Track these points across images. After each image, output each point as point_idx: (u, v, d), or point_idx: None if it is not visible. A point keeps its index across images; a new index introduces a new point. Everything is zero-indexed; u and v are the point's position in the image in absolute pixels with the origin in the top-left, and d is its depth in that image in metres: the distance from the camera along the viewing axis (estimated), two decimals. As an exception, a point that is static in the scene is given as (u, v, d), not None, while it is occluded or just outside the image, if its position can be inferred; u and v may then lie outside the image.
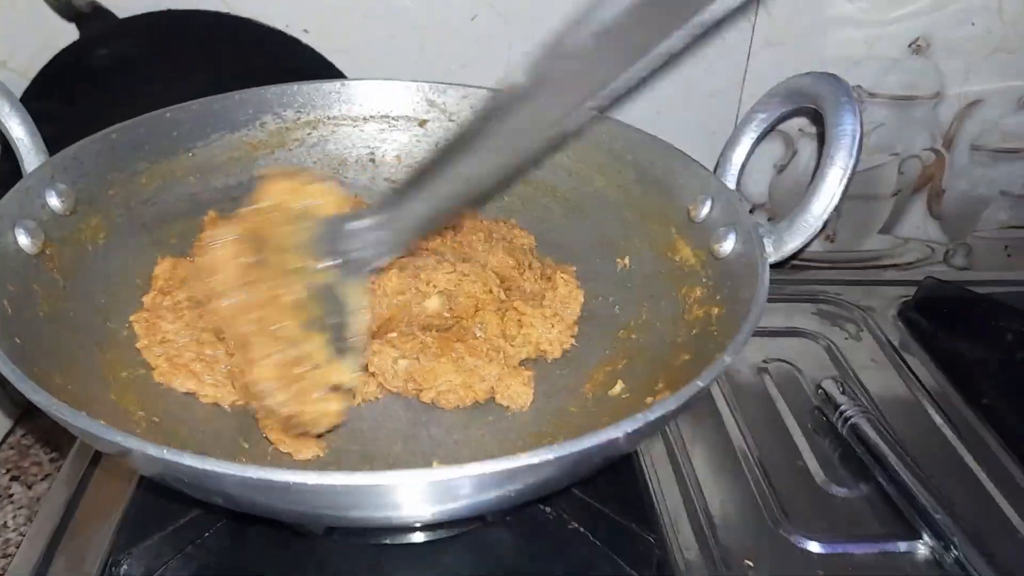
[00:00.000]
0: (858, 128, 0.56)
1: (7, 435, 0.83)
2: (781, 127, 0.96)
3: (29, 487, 0.78)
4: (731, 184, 0.67)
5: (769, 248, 0.60)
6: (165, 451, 0.41)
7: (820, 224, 0.59)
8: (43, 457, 0.81)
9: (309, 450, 0.58)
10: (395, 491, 0.43)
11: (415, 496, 0.45)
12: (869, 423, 0.72)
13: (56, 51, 0.82)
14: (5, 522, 0.75)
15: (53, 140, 0.66)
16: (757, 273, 0.57)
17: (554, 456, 0.43)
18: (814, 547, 0.65)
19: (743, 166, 0.68)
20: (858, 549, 0.65)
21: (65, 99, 0.83)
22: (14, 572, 0.60)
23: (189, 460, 0.41)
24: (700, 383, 0.48)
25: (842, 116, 0.57)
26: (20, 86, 0.83)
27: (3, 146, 0.76)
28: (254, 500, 0.45)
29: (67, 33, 0.83)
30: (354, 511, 0.46)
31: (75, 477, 0.67)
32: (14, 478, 0.79)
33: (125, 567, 0.58)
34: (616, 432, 0.44)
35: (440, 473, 0.42)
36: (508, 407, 0.64)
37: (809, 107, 0.62)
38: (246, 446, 0.60)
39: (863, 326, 0.90)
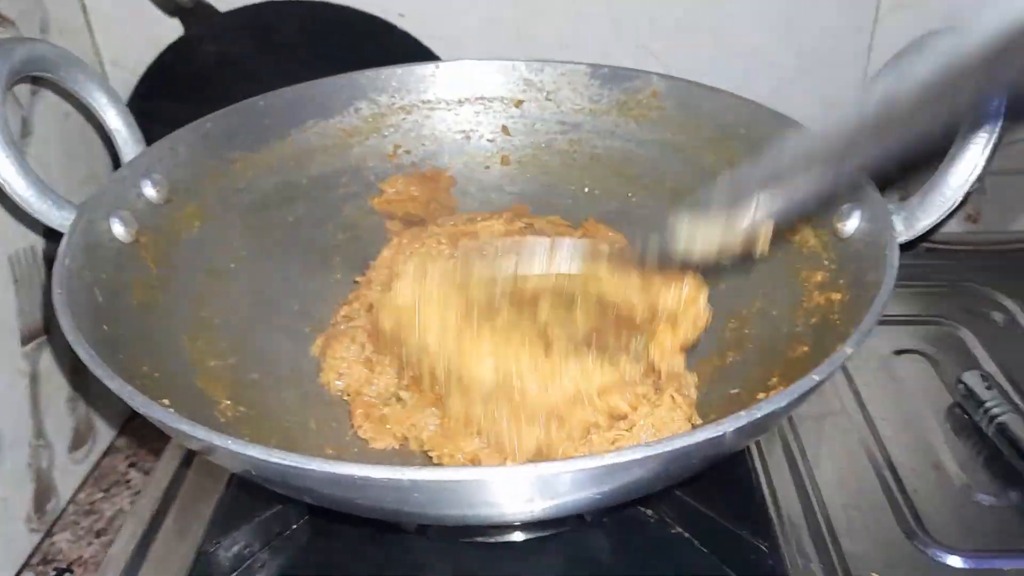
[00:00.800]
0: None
1: (127, 422, 0.85)
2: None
3: (146, 473, 0.80)
4: (855, 157, 0.61)
5: (899, 227, 0.54)
6: (250, 448, 0.39)
7: (958, 198, 0.52)
8: (161, 445, 0.83)
9: (384, 440, 0.58)
10: (492, 487, 0.40)
11: (511, 493, 0.42)
12: (1020, 422, 0.64)
13: (162, 48, 0.84)
14: (122, 507, 0.77)
15: (161, 137, 0.66)
16: (885, 255, 0.51)
17: (658, 452, 0.39)
18: (955, 561, 0.58)
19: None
20: (1008, 564, 0.58)
21: (172, 96, 0.85)
22: (113, 557, 0.61)
23: (275, 457, 0.39)
24: (816, 377, 0.42)
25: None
26: (130, 84, 0.85)
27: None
28: (344, 496, 0.43)
29: (172, 29, 0.84)
30: (447, 508, 0.44)
31: (171, 469, 0.68)
32: (132, 464, 0.82)
33: (216, 556, 0.57)
34: (718, 430, 0.40)
35: (538, 469, 0.39)
36: None
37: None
38: (346, 438, 0.59)
39: (1012, 315, 0.81)
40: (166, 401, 0.45)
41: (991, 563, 0.58)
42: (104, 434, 0.82)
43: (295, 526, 0.60)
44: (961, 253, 0.91)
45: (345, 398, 0.63)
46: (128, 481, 0.80)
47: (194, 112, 0.68)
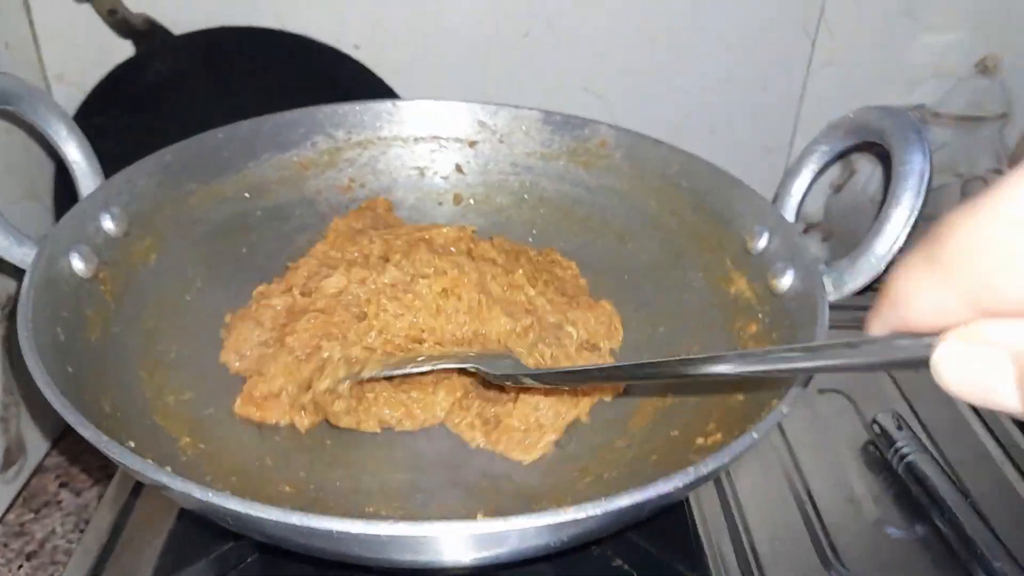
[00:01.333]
0: (927, 167, 0.54)
1: (56, 441, 0.84)
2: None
3: (78, 494, 0.79)
4: (790, 217, 0.65)
5: (829, 287, 0.58)
6: (211, 494, 0.41)
7: (883, 265, 0.57)
8: (92, 464, 0.82)
9: (369, 425, 0.63)
10: (440, 542, 0.43)
11: (460, 545, 0.44)
12: (927, 462, 0.70)
13: (111, 67, 0.83)
14: (54, 529, 0.76)
15: (107, 154, 0.67)
16: (817, 315, 0.55)
17: (601, 511, 0.42)
18: (866, 591, 0.63)
19: (803, 198, 0.66)
20: (913, 596, 0.63)
21: (119, 115, 0.84)
22: (62, 591, 0.61)
23: (235, 505, 0.41)
24: (755, 435, 0.46)
25: (910, 154, 0.54)
26: (76, 100, 0.84)
27: (58, 162, 0.77)
28: (298, 542, 0.45)
29: (123, 49, 0.84)
30: (398, 556, 0.46)
31: (120, 499, 0.68)
32: (63, 484, 0.80)
33: (171, 589, 0.58)
34: (666, 486, 0.43)
35: (484, 526, 0.41)
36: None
37: (873, 142, 0.59)
38: (302, 475, 0.60)
39: (921, 356, 0.87)
40: (132, 443, 0.46)
41: (898, 593, 0.63)
42: (34, 453, 0.81)
43: (249, 560, 0.61)
44: (874, 295, 0.97)
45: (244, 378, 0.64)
46: (59, 502, 0.79)
47: (140, 132, 0.69)
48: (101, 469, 0.81)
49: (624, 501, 0.42)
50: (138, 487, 0.69)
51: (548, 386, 0.61)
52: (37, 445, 0.81)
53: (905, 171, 0.55)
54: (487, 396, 0.65)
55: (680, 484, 0.43)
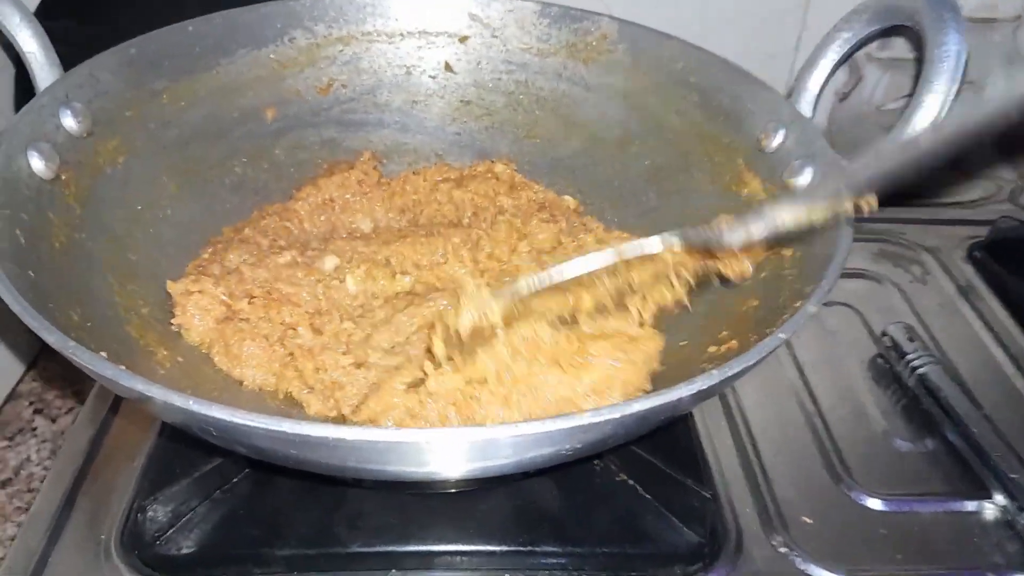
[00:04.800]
0: (963, 49, 0.50)
1: (30, 367, 0.81)
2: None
3: (53, 420, 0.76)
4: (807, 112, 0.61)
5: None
6: (192, 402, 0.37)
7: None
8: (67, 390, 0.79)
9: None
10: (436, 449, 0.39)
11: (458, 455, 0.41)
12: (939, 373, 0.68)
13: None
14: (29, 456, 0.73)
15: (67, 62, 0.60)
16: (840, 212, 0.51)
17: (618, 415, 0.39)
18: (876, 504, 0.61)
19: (820, 92, 0.61)
20: (923, 507, 0.61)
21: (79, 16, 0.77)
22: (37, 514, 0.57)
23: (219, 412, 0.37)
24: (782, 335, 0.43)
25: (945, 34, 0.50)
26: (33, 1, 0.77)
27: (18, 63, 0.71)
28: (287, 454, 0.41)
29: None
30: (393, 467, 0.42)
31: (97, 418, 0.65)
32: (37, 411, 0.77)
33: (151, 512, 0.55)
34: (687, 390, 0.40)
35: (486, 432, 0.39)
36: None
37: (903, 25, 0.55)
38: (275, 385, 0.57)
39: (929, 268, 0.85)
40: (103, 354, 0.42)
41: (909, 505, 0.61)
42: (6, 380, 0.77)
43: (235, 480, 0.58)
44: (882, 208, 0.94)
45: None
46: (34, 429, 0.76)
47: (102, 36, 0.62)
48: (77, 395, 0.78)
49: (643, 405, 0.39)
50: (114, 406, 0.65)
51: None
52: (9, 371, 0.78)
53: (940, 54, 0.50)
54: None
55: (704, 387, 0.40)
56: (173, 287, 0.58)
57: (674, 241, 0.53)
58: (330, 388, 0.55)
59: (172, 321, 0.58)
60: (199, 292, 0.57)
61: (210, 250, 0.64)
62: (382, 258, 0.64)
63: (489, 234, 0.66)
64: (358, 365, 0.56)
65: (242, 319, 0.58)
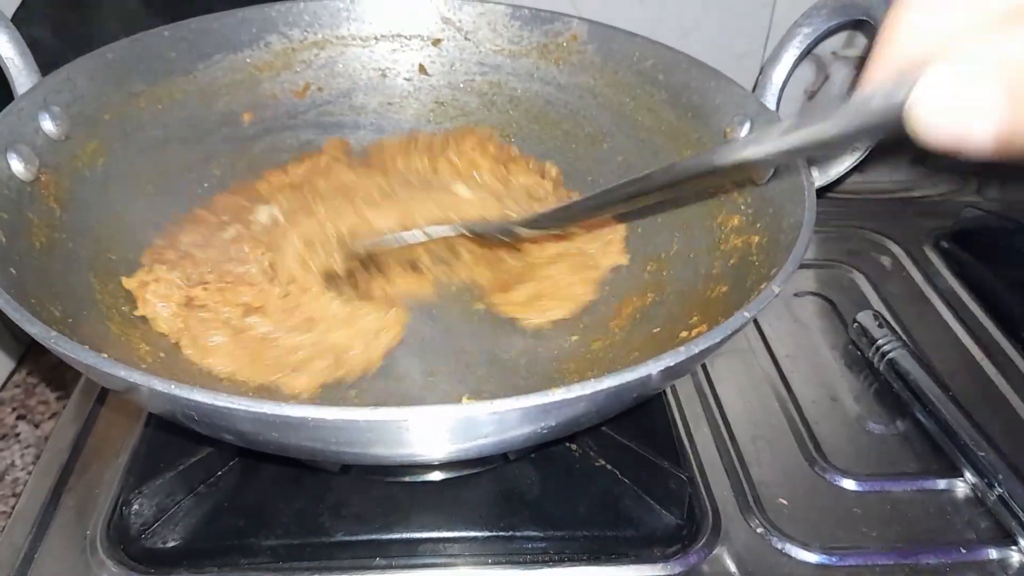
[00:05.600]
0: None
1: (12, 373, 0.81)
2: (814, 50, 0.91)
3: (36, 426, 0.76)
4: (771, 105, 0.63)
5: (814, 172, 0.56)
6: (173, 387, 0.38)
7: (868, 150, 0.55)
8: (49, 396, 0.79)
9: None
10: (417, 427, 0.40)
11: (436, 433, 0.42)
12: (908, 358, 0.69)
13: (46, -33, 0.77)
14: (13, 461, 0.73)
15: (44, 69, 0.61)
16: (804, 198, 0.53)
17: (589, 391, 0.40)
18: (850, 485, 0.63)
19: (783, 86, 0.63)
20: (896, 487, 0.63)
21: (57, 25, 0.78)
22: (22, 512, 0.58)
23: (200, 396, 0.38)
24: (747, 314, 0.44)
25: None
26: (9, 8, 0.78)
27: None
28: (268, 437, 0.42)
29: (57, -53, 0.78)
30: (374, 448, 0.43)
31: (81, 415, 0.65)
32: (20, 416, 0.77)
33: (136, 506, 0.55)
34: (656, 366, 0.41)
35: (464, 410, 0.39)
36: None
37: (860, 20, 0.57)
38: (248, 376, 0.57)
39: (897, 257, 0.87)
40: (86, 347, 0.43)
41: (881, 485, 0.63)
42: (-12, 385, 0.77)
43: (220, 472, 0.58)
44: (850, 201, 0.97)
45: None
46: (17, 434, 0.76)
47: (79, 43, 0.63)
48: (60, 400, 0.78)
49: (613, 381, 0.40)
50: (99, 401, 0.66)
51: (541, 231, 0.59)
52: (-9, 376, 0.78)
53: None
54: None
55: (672, 363, 0.41)
56: (129, 282, 0.58)
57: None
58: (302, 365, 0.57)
59: (135, 313, 0.58)
60: (155, 281, 0.58)
61: (163, 234, 0.64)
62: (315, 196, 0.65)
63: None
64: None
65: (200, 306, 0.58)
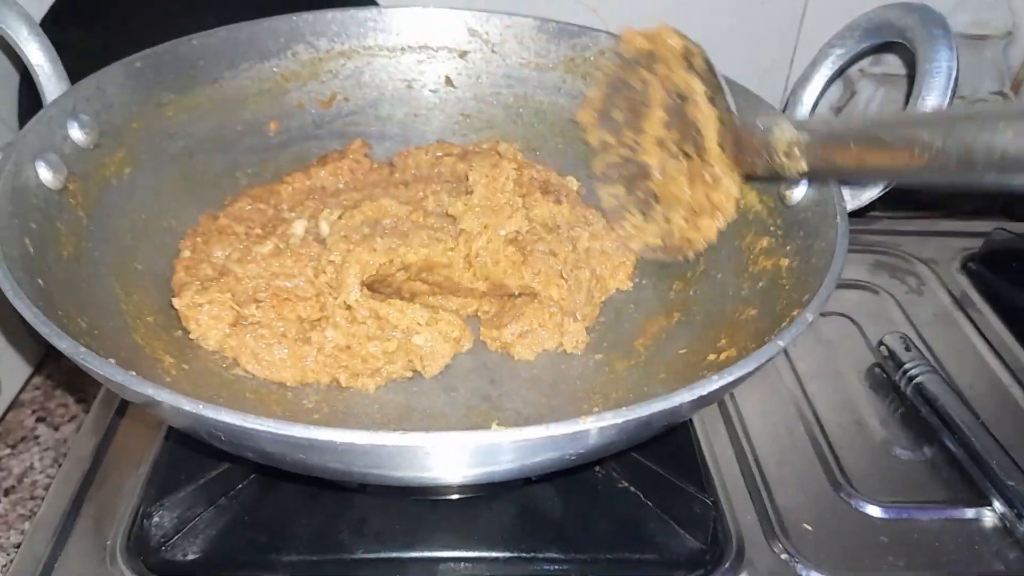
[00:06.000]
0: (954, 65, 0.51)
1: (32, 375, 0.81)
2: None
3: (55, 429, 0.77)
4: (802, 124, 0.62)
5: (846, 195, 0.55)
6: (201, 407, 0.38)
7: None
8: (69, 399, 0.79)
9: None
10: (444, 453, 0.40)
11: (463, 459, 0.41)
12: (936, 382, 0.68)
13: (75, -27, 0.78)
14: (32, 464, 0.73)
15: (72, 72, 0.62)
16: (836, 223, 0.52)
17: (620, 421, 0.39)
18: (876, 512, 0.62)
19: (815, 106, 0.63)
20: (923, 515, 0.62)
21: (86, 27, 0.78)
22: (42, 520, 0.58)
23: (228, 416, 0.38)
24: (780, 343, 0.43)
25: (937, 51, 0.51)
26: (39, 12, 0.78)
27: (23, 72, 0.72)
28: (294, 458, 0.42)
29: (87, -47, 0.78)
30: (399, 471, 0.43)
31: (102, 425, 0.65)
32: (40, 419, 0.77)
33: (157, 518, 0.55)
34: (688, 396, 0.41)
35: (491, 437, 0.39)
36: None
37: (895, 42, 0.56)
38: (288, 395, 0.57)
39: (924, 279, 0.86)
40: (112, 360, 0.43)
41: (908, 513, 0.62)
42: (8, 388, 0.77)
43: (240, 485, 0.58)
44: (877, 219, 0.95)
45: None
46: (37, 437, 0.76)
47: (108, 46, 0.63)
48: (79, 402, 0.78)
49: (644, 411, 0.39)
50: (119, 412, 0.66)
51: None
52: (12, 379, 0.78)
53: (931, 68, 0.51)
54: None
55: (704, 392, 0.41)
56: (179, 302, 0.58)
57: None
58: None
59: (190, 336, 0.58)
60: (208, 302, 0.58)
61: (189, 244, 0.64)
62: (352, 202, 0.64)
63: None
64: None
65: (254, 323, 0.58)
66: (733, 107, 0.61)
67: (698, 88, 0.61)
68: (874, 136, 0.47)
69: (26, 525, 0.65)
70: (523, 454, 0.41)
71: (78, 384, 0.80)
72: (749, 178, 0.61)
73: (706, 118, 0.61)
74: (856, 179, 0.55)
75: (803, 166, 0.52)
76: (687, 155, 0.63)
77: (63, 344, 0.40)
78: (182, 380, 0.53)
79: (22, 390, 0.80)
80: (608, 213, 0.70)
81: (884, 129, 0.47)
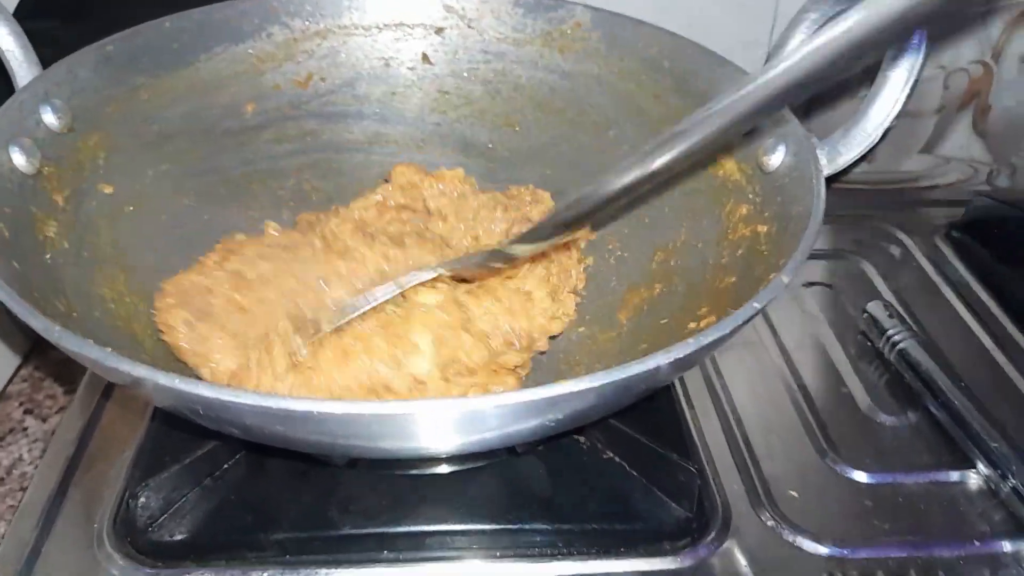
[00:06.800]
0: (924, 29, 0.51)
1: (19, 367, 0.81)
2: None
3: (43, 420, 0.76)
4: (779, 91, 0.62)
5: (823, 160, 0.55)
6: (177, 380, 0.38)
7: (880, 134, 0.54)
8: (57, 390, 0.79)
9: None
10: (424, 421, 0.40)
11: (444, 426, 0.41)
12: (919, 348, 0.69)
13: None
14: (20, 455, 0.73)
15: (48, 63, 0.61)
16: (812, 187, 0.52)
17: (598, 384, 0.39)
18: (861, 477, 0.62)
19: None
20: (908, 479, 0.62)
21: (61, 17, 0.77)
22: (29, 505, 0.58)
23: (205, 390, 0.38)
24: (756, 304, 0.43)
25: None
26: (11, 2, 0.77)
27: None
28: (275, 431, 0.42)
29: (57, -60, 0.77)
30: (381, 441, 0.43)
31: (87, 409, 0.65)
32: (28, 411, 0.77)
33: (143, 499, 0.55)
34: (665, 358, 0.41)
35: (470, 403, 0.39)
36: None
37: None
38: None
39: (907, 248, 0.86)
40: (89, 341, 0.43)
41: (893, 477, 0.62)
42: (-5, 380, 0.77)
43: (226, 466, 0.58)
44: (859, 191, 0.96)
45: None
46: (25, 429, 0.75)
47: (84, 36, 0.63)
48: (68, 394, 0.78)
49: (622, 373, 0.39)
50: (105, 395, 0.65)
51: (527, 247, 0.54)
52: None
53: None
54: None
55: (681, 355, 0.41)
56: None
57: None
58: None
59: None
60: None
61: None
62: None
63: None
64: None
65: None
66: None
67: None
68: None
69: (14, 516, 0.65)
70: (504, 420, 0.41)
71: (67, 376, 0.79)
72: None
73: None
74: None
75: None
76: None
77: (37, 323, 0.40)
78: (161, 360, 0.53)
79: (10, 382, 0.79)
80: None
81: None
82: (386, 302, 0.58)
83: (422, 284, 0.59)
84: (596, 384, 0.39)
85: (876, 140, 0.55)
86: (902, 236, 0.87)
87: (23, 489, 0.69)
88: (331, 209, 0.70)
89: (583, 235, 0.69)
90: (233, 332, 0.57)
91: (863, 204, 0.93)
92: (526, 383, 0.58)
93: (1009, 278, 0.80)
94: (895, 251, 0.85)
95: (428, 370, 0.55)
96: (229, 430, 0.44)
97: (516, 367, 0.58)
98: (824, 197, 0.52)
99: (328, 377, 0.54)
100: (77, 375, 0.75)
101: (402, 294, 0.59)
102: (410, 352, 0.55)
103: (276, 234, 0.67)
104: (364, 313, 0.57)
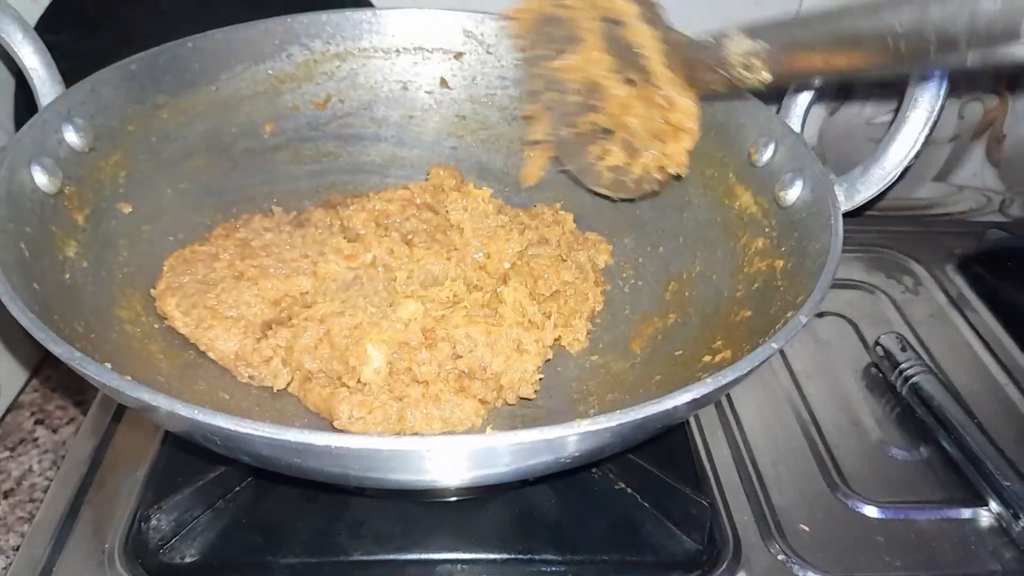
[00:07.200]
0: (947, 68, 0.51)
1: (30, 378, 0.81)
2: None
3: (54, 431, 0.77)
4: (796, 127, 0.62)
5: (840, 197, 0.55)
6: (196, 411, 0.38)
7: (898, 173, 0.54)
8: (67, 401, 0.79)
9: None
10: (439, 457, 0.40)
11: (460, 462, 0.41)
12: (932, 382, 0.68)
13: (70, -25, 0.77)
14: (31, 466, 0.73)
15: (68, 75, 0.61)
16: (830, 224, 0.52)
17: (615, 424, 0.39)
18: (872, 512, 0.62)
19: (809, 107, 0.63)
20: (919, 515, 0.62)
21: (81, 30, 0.78)
22: (41, 523, 0.58)
23: (222, 421, 0.38)
24: (775, 345, 0.43)
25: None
26: (33, 15, 0.78)
27: (18, 76, 0.72)
28: (290, 462, 0.42)
29: (81, -44, 0.78)
30: (395, 475, 0.43)
31: (99, 428, 0.65)
32: (39, 422, 0.77)
33: (155, 521, 0.55)
34: (683, 398, 0.41)
35: (487, 440, 0.39)
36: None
37: None
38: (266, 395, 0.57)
39: (920, 279, 0.86)
40: (108, 364, 0.43)
41: (905, 513, 0.62)
42: (7, 390, 0.77)
43: (237, 488, 0.58)
44: (870, 217, 0.96)
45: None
46: (36, 439, 0.76)
47: (103, 49, 0.63)
48: (78, 405, 0.78)
49: (639, 413, 0.39)
50: (117, 416, 0.66)
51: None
52: (11, 382, 0.78)
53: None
54: None
55: (699, 395, 0.41)
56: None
57: None
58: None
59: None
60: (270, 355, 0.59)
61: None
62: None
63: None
64: None
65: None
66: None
67: (629, 10, 0.59)
68: (842, 34, 0.46)
69: (25, 527, 0.65)
70: (518, 457, 0.41)
71: (77, 387, 0.79)
72: (709, 97, 0.59)
73: (645, 39, 0.58)
74: (824, 77, 0.55)
75: (765, 77, 0.51)
76: (631, 81, 0.61)
77: (58, 349, 0.40)
78: (176, 381, 0.53)
79: (21, 392, 0.80)
80: (563, 150, 0.68)
81: (850, 23, 0.45)
82: (369, 300, 0.60)
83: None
84: (613, 424, 0.39)
85: (895, 179, 0.55)
86: (915, 267, 0.87)
87: (33, 500, 0.69)
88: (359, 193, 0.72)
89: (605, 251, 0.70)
90: (229, 308, 0.59)
91: (876, 233, 0.93)
92: (494, 417, 0.59)
93: (1022, 311, 0.80)
94: (908, 281, 0.85)
95: (371, 379, 0.56)
96: (243, 459, 0.44)
97: (479, 398, 0.58)
98: (842, 235, 0.52)
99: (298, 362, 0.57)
100: (87, 387, 0.75)
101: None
102: (361, 359, 0.56)
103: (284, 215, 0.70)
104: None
